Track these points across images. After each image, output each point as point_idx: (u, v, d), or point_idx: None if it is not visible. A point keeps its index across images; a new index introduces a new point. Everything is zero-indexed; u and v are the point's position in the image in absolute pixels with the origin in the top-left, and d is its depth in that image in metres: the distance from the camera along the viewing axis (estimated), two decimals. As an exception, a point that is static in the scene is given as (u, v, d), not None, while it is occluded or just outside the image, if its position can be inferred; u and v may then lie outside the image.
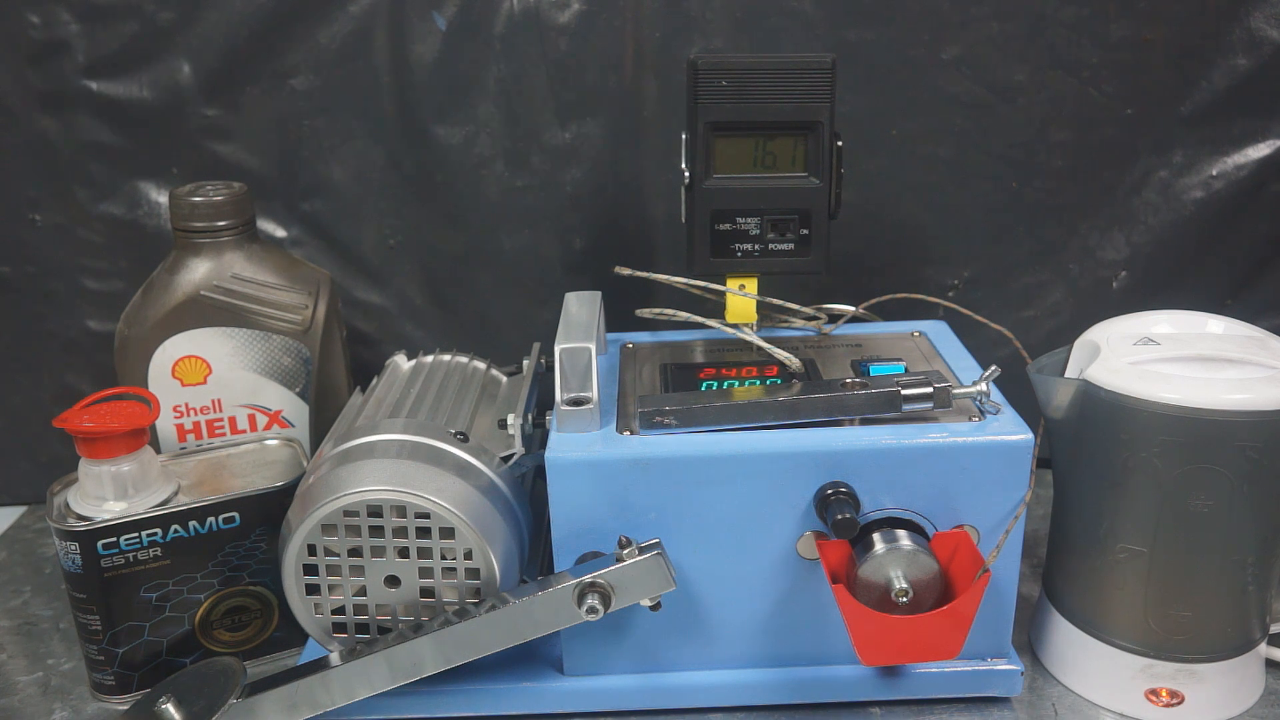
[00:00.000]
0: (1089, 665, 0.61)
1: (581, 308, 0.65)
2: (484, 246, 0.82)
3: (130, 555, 0.61)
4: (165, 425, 0.71)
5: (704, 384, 0.63)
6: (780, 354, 0.65)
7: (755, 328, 0.67)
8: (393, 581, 0.57)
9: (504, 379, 0.74)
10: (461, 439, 0.60)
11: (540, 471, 0.57)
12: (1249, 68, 0.76)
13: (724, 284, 0.66)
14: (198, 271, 0.69)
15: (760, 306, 0.67)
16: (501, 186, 0.80)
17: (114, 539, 0.60)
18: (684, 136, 0.63)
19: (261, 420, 0.72)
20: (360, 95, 0.78)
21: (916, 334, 0.70)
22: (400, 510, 0.56)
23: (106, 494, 0.61)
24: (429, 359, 0.73)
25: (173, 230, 0.70)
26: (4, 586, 0.76)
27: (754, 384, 0.63)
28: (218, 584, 0.64)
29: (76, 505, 0.62)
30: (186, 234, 0.69)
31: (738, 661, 0.60)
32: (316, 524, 0.56)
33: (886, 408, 0.57)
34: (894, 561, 0.55)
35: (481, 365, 0.73)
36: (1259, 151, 0.78)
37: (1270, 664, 0.62)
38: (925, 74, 0.77)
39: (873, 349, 0.68)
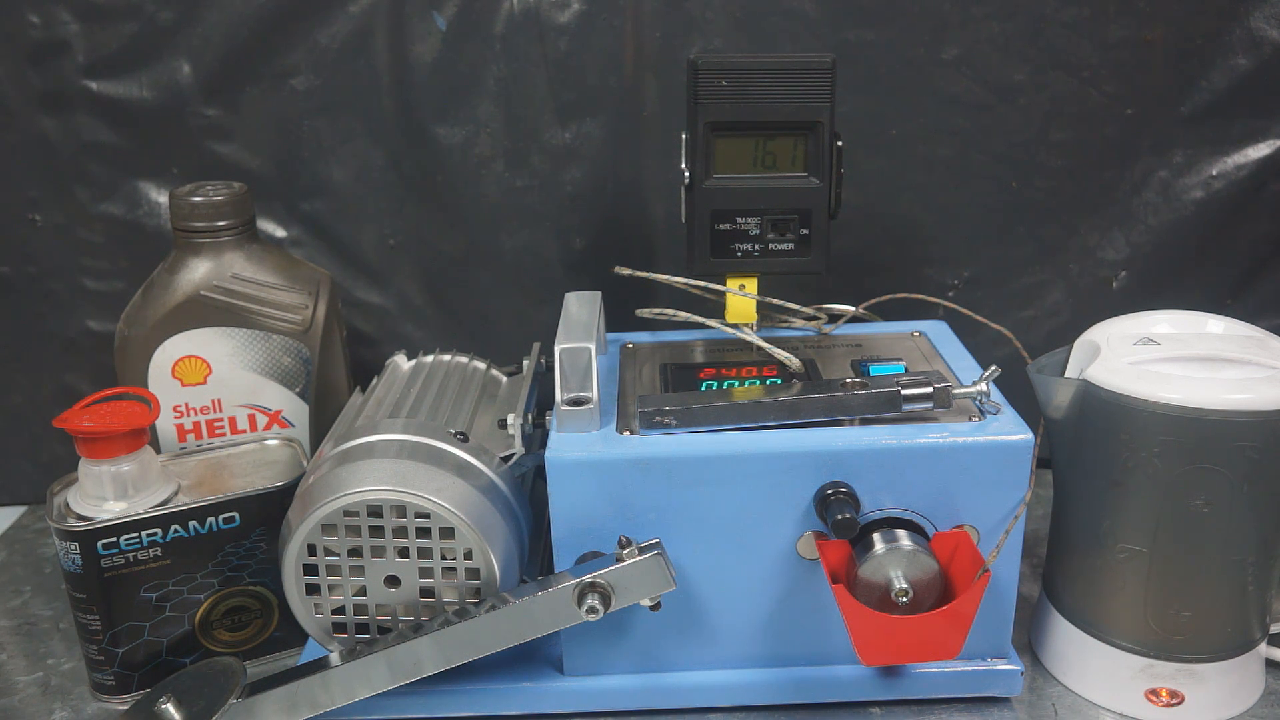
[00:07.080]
0: (1089, 665, 0.61)
1: (581, 308, 0.65)
2: (484, 246, 0.82)
3: (130, 555, 0.61)
4: (165, 425, 0.71)
5: (704, 384, 0.63)
6: (780, 354, 0.65)
7: (755, 328, 0.67)
8: (393, 581, 0.57)
9: (504, 379, 0.74)
10: (461, 439, 0.60)
11: (540, 471, 0.57)
12: (1249, 68, 0.76)
13: (724, 284, 0.66)
14: (198, 271, 0.69)
15: (760, 306, 0.67)
16: (501, 186, 0.80)
17: (114, 539, 0.60)
18: (684, 136, 0.63)
19: (261, 420, 0.72)
20: (360, 95, 0.78)
21: (916, 334, 0.70)
22: (400, 510, 0.56)
23: (106, 494, 0.61)
24: (429, 359, 0.73)
25: (173, 230, 0.70)
26: (4, 586, 0.76)
27: (754, 384, 0.63)
28: (218, 584, 0.64)
29: (76, 505, 0.62)
30: (186, 234, 0.69)
31: (738, 661, 0.60)
32: (316, 524, 0.56)
33: (886, 408, 0.57)
34: (894, 561, 0.55)
35: (481, 365, 0.73)
36: (1259, 151, 0.78)
37: (1270, 664, 0.62)
38: (925, 74, 0.77)
39: (873, 349, 0.68)
